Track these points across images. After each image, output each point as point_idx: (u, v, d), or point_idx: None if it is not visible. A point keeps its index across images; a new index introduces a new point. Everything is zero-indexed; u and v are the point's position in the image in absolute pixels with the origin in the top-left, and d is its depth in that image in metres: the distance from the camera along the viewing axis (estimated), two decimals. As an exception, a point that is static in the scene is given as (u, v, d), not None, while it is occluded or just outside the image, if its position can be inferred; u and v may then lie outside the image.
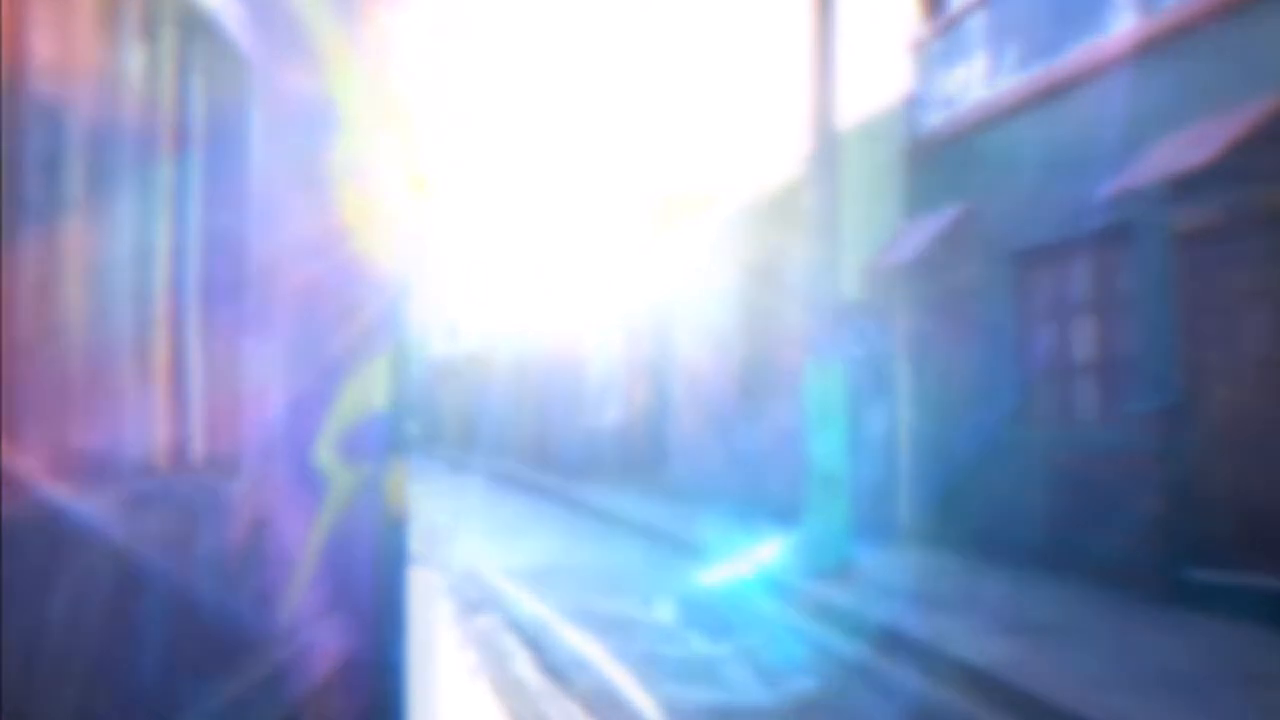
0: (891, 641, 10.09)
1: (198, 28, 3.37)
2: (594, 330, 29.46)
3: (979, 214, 14.44)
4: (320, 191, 4.59)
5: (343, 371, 4.93)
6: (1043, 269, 13.43)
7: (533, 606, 12.65)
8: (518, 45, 42.40)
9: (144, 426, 3.00)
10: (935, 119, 15.46)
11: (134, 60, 2.92)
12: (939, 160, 15.40)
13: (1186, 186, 10.99)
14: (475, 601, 12.94)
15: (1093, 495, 12.31)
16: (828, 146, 13.50)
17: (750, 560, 14.28)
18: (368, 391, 5.27)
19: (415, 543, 17.20)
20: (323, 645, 4.47)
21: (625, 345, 27.03)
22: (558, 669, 9.72)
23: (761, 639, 10.85)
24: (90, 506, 2.41)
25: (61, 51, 2.34)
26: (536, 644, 10.67)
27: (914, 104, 15.99)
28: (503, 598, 13.28)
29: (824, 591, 11.97)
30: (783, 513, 17.62)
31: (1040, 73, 13.25)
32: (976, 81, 14.51)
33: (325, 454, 4.74)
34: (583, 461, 29.65)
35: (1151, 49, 11.55)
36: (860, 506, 15.98)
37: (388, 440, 5.53)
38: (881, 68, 16.73)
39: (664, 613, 12.19)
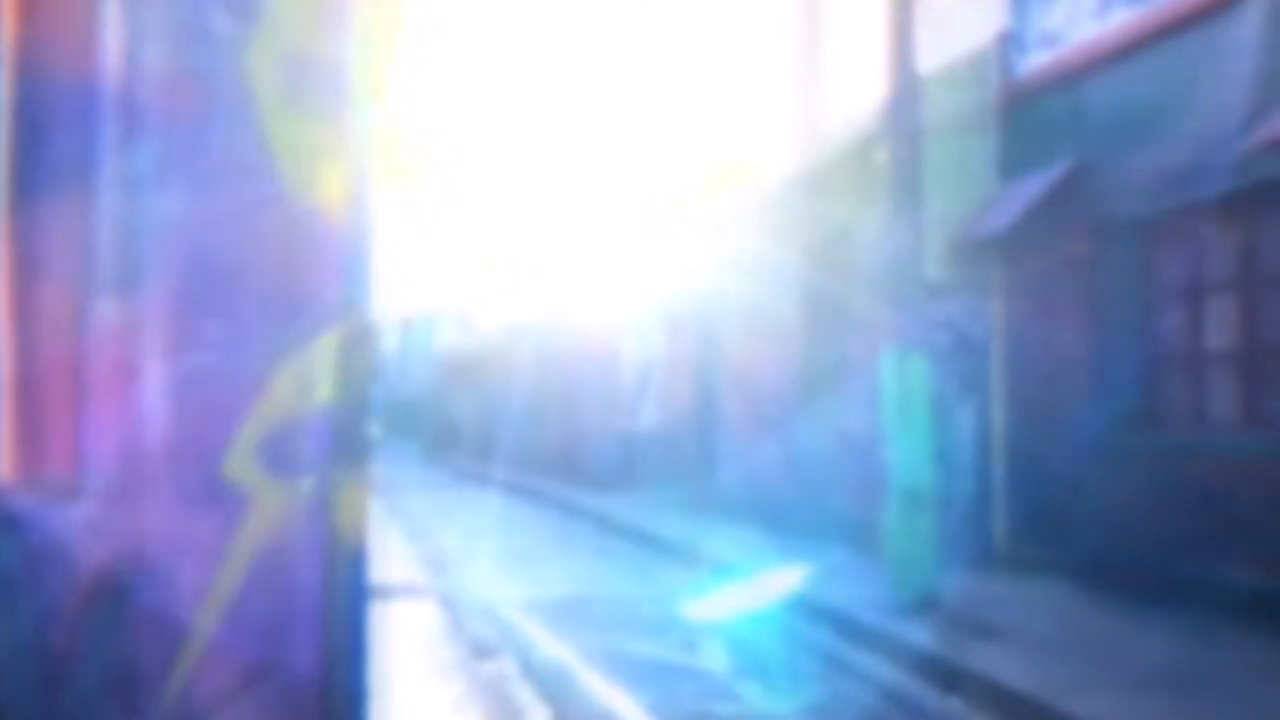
0: (992, 697, 9.20)
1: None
2: (629, 321, 28.74)
3: (1090, 174, 13.56)
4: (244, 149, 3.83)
5: (267, 359, 4.16)
6: (1170, 239, 12.54)
7: (554, 649, 11.89)
8: (538, 9, 41.93)
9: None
10: (1035, 61, 14.58)
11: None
12: (1040, 110, 14.53)
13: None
14: (485, 643, 12.20)
15: (1231, 514, 11.39)
16: (907, 91, 12.63)
17: (816, 593, 13.39)
18: (305, 384, 4.46)
19: (417, 572, 16.40)
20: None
21: (665, 337, 26.29)
22: (583, 734, 8.93)
23: (833, 693, 9.97)
24: None
25: None
26: (557, 698, 9.88)
27: (1008, 43, 15.11)
28: (519, 637, 12.54)
29: (907, 632, 11.10)
30: (852, 532, 16.72)
31: (1165, 1, 12.36)
32: (1086, 13, 13.62)
33: (241, 465, 3.96)
34: (616, 471, 28.95)
35: (1308, -35, 10.67)
36: (947, 525, 15.06)
37: (337, 445, 4.71)
38: (965, 2, 15.81)
39: (712, 658, 11.35)
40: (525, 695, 9.98)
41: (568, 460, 33.09)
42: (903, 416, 12.40)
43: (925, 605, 12.13)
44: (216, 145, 4.26)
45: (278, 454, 4.35)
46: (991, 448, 15.37)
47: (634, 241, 28.97)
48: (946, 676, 9.97)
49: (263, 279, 4.34)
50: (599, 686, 10.25)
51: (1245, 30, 11.38)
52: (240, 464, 4.00)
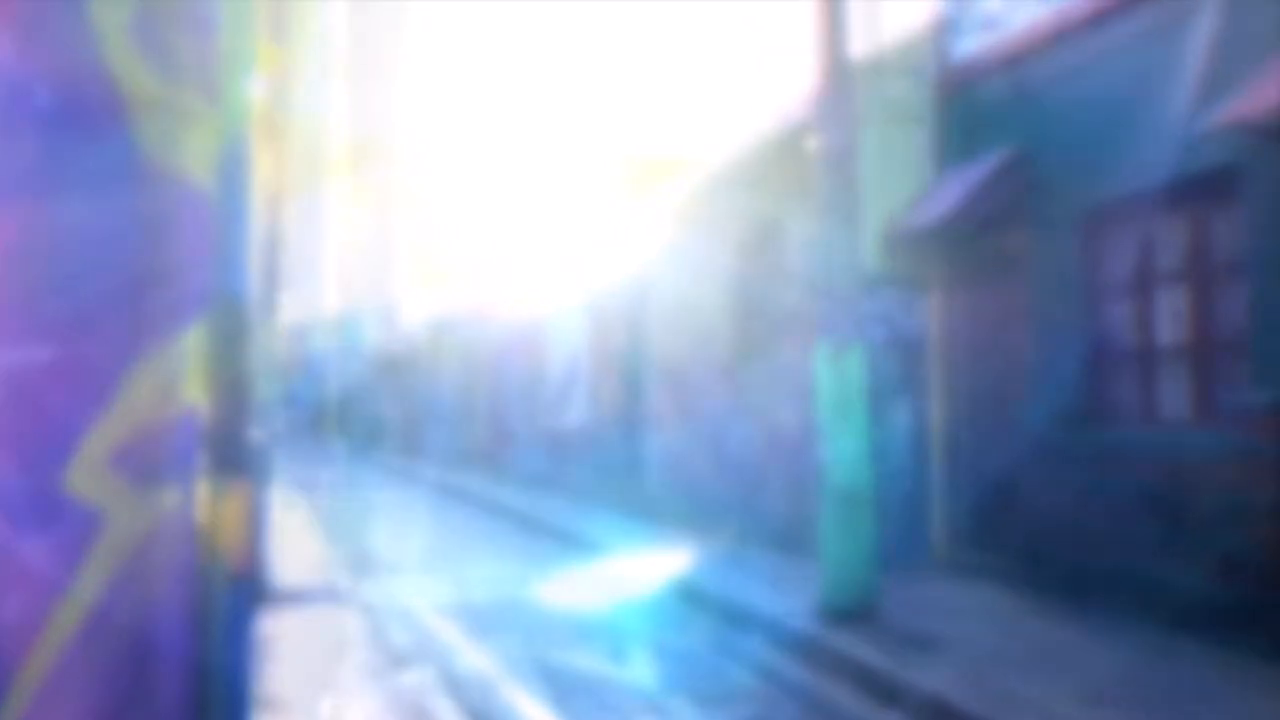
0: (935, 715, 8.55)
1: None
2: (555, 316, 28.09)
3: (1032, 161, 12.95)
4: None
5: (118, 354, 3.49)
6: (1118, 228, 11.92)
7: (475, 658, 11.19)
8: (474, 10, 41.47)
9: None
10: (974, 46, 13.96)
11: None
12: (979, 97, 13.92)
13: (1315, 115, 9.49)
14: (403, 651, 11.49)
15: (1181, 517, 10.78)
16: (840, 77, 11.98)
17: (746, 598, 12.74)
18: (166, 382, 3.77)
19: (337, 574, 15.68)
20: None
21: (592, 333, 25.62)
22: (499, 759, 8.26)
23: (766, 710, 9.30)
24: None
25: None
26: (478, 713, 9.17)
27: (945, 28, 14.49)
28: (439, 644, 11.83)
29: (844, 642, 10.44)
30: (784, 534, 16.06)
31: (1110, -19, 11.79)
32: (1026, -4, 13.04)
33: (88, 475, 3.29)
34: (544, 471, 28.25)
35: (1263, -60, 10.07)
36: (883, 528, 14.42)
37: (212, 451, 4.01)
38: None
39: (640, 669, 10.66)
40: (445, 709, 9.31)
41: (496, 458, 32.47)
42: (838, 414, 11.75)
43: (862, 613, 11.47)
44: (47, 100, 3.60)
45: (134, 462, 3.67)
46: (929, 447, 14.75)
47: (560, 235, 28.37)
48: (886, 692, 9.32)
49: (112, 260, 3.66)
50: (522, 702, 9.58)
51: (1194, 12, 10.79)
52: (87, 474, 3.35)
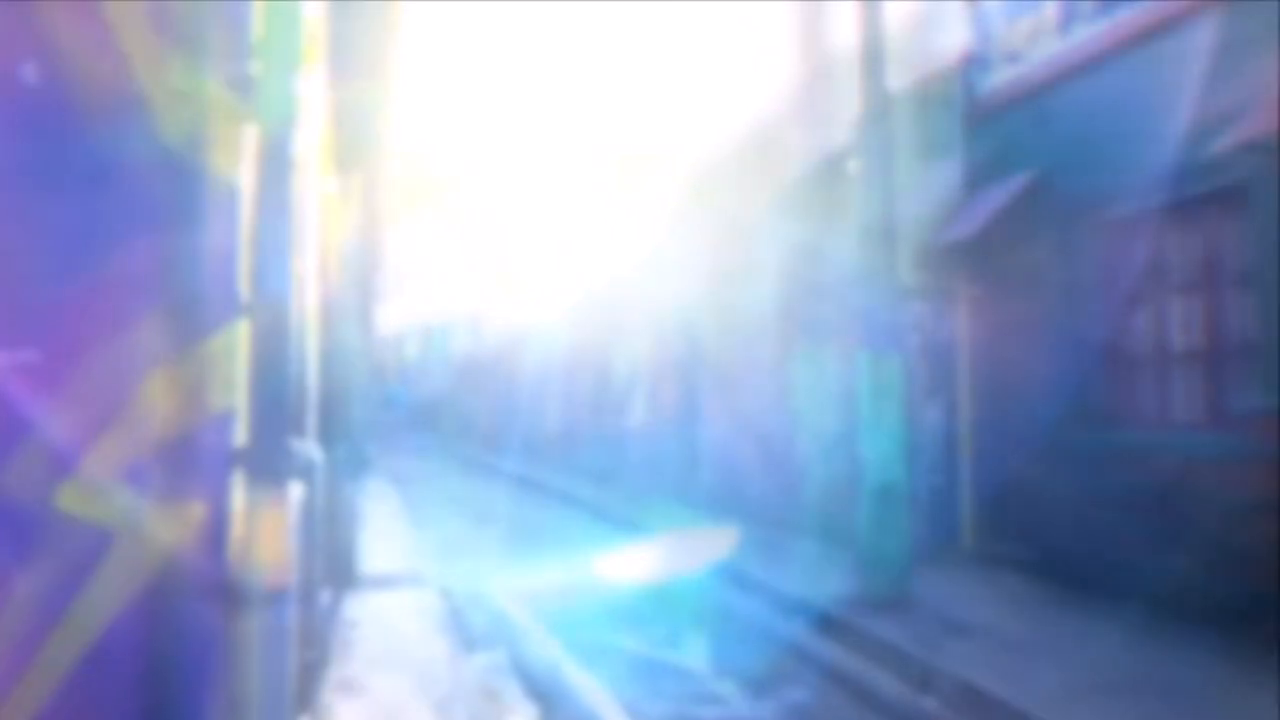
0: (969, 700, 8.03)
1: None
2: (620, 325, 27.65)
3: (1053, 181, 12.40)
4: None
5: (133, 359, 3.02)
6: (1132, 241, 11.34)
7: (543, 643, 10.74)
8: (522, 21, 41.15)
9: None
10: (998, 78, 13.42)
11: None
12: (1004, 124, 13.37)
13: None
14: (478, 633, 11.05)
15: (1194, 513, 10.20)
16: (879, 108, 11.49)
17: (792, 587, 12.24)
18: (191, 388, 3.28)
19: (421, 560, 15.25)
20: None
21: (652, 341, 25.16)
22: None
23: (811, 694, 8.80)
24: None
25: None
26: (543, 695, 8.73)
27: (972, 63, 13.94)
28: (510, 628, 11.43)
29: (882, 628, 9.93)
30: (824, 525, 15.54)
31: (1125, 17, 11.20)
32: (1048, 32, 12.46)
33: (94, 490, 2.82)
34: (609, 465, 27.81)
35: (1272, -26, 9.49)
36: (915, 521, 13.85)
37: (249, 462, 3.52)
38: (931, 22, 14.69)
39: (694, 653, 10.19)
40: (513, 693, 8.85)
41: (566, 453, 32.10)
42: (876, 416, 11.23)
43: (898, 601, 10.94)
44: (60, 91, 3.16)
45: (154, 474, 3.19)
46: (958, 446, 14.19)
47: (626, 250, 27.95)
48: (922, 676, 8.80)
49: (130, 258, 3.19)
50: (585, 686, 9.13)
51: (1200, 43, 10.24)
52: (94, 488, 2.89)
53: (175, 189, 3.29)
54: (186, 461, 3.26)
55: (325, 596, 9.54)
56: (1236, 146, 9.10)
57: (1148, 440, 11.00)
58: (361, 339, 31.33)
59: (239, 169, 3.43)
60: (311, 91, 6.73)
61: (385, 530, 18.18)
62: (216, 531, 3.36)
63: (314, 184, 7.96)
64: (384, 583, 13.23)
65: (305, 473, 6.81)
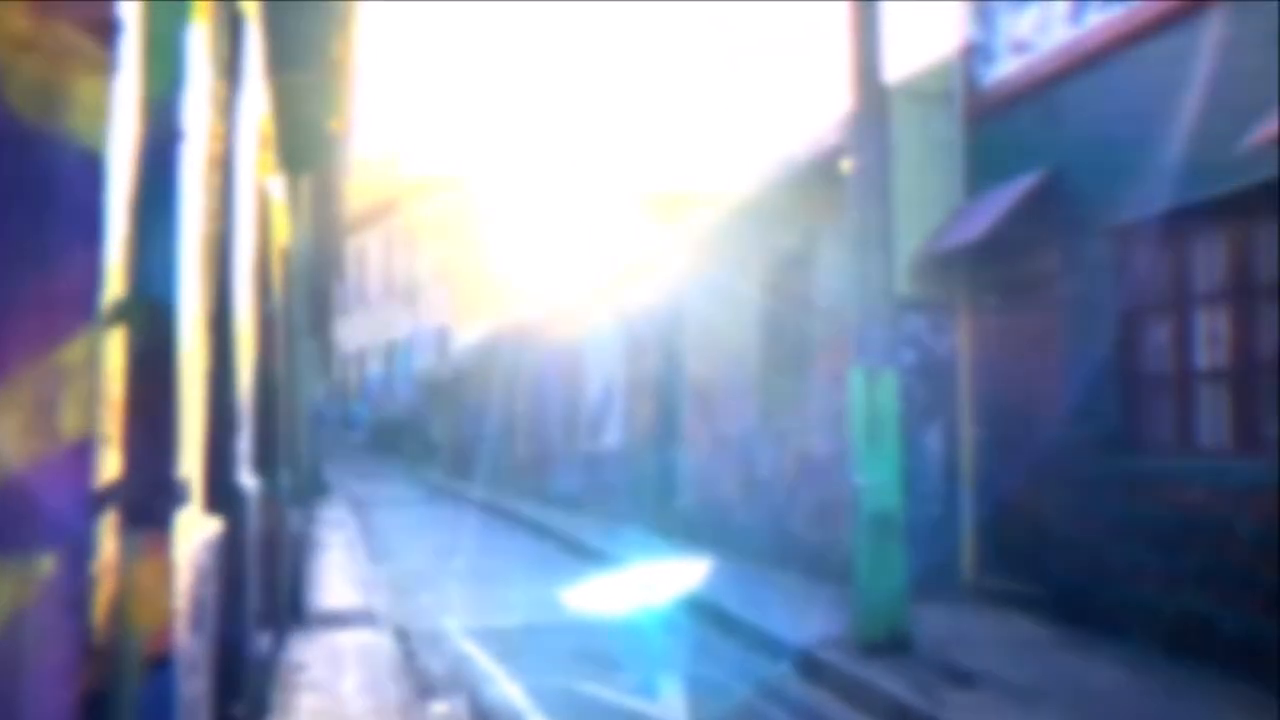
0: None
1: None
2: (593, 341, 27.16)
3: (1065, 182, 11.97)
4: None
5: None
6: (1153, 247, 10.87)
7: (505, 688, 10.34)
8: (512, 34, 41.22)
9: None
10: (1003, 70, 13.03)
11: None
12: (1010, 120, 12.99)
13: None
14: (435, 678, 10.56)
15: (1221, 549, 9.68)
16: (874, 99, 11.02)
17: (777, 627, 11.72)
18: (42, 408, 2.69)
19: (377, 595, 14.73)
20: None
21: (627, 356, 24.66)
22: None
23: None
24: None
25: None
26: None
27: (973, 53, 13.51)
28: (470, 672, 10.95)
29: (877, 676, 9.43)
30: (812, 558, 15.00)
31: (1143, 3, 10.80)
32: (1058, 19, 12.02)
33: None
34: (582, 490, 27.28)
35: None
36: (912, 553, 13.31)
37: (124, 500, 2.93)
38: (927, 12, 14.30)
39: (670, 704, 9.65)
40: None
41: (537, 478, 31.60)
42: (871, 439, 10.72)
43: (895, 644, 10.40)
44: None
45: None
46: (958, 472, 13.69)
47: (596, 262, 27.55)
48: (925, 731, 8.29)
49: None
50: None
51: (1225, 31, 9.79)
52: None
53: (19, 160, 2.73)
54: (31, 502, 2.69)
55: (265, 640, 8.98)
56: (1267, 142, 8.64)
57: (1168, 467, 10.50)
58: (319, 355, 30.80)
59: (104, 136, 2.86)
60: (237, 64, 6.20)
61: (340, 562, 17.66)
62: (73, 589, 2.77)
63: (248, 179, 7.44)
64: (336, 621, 12.72)
65: (232, 504, 6.29)
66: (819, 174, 14.28)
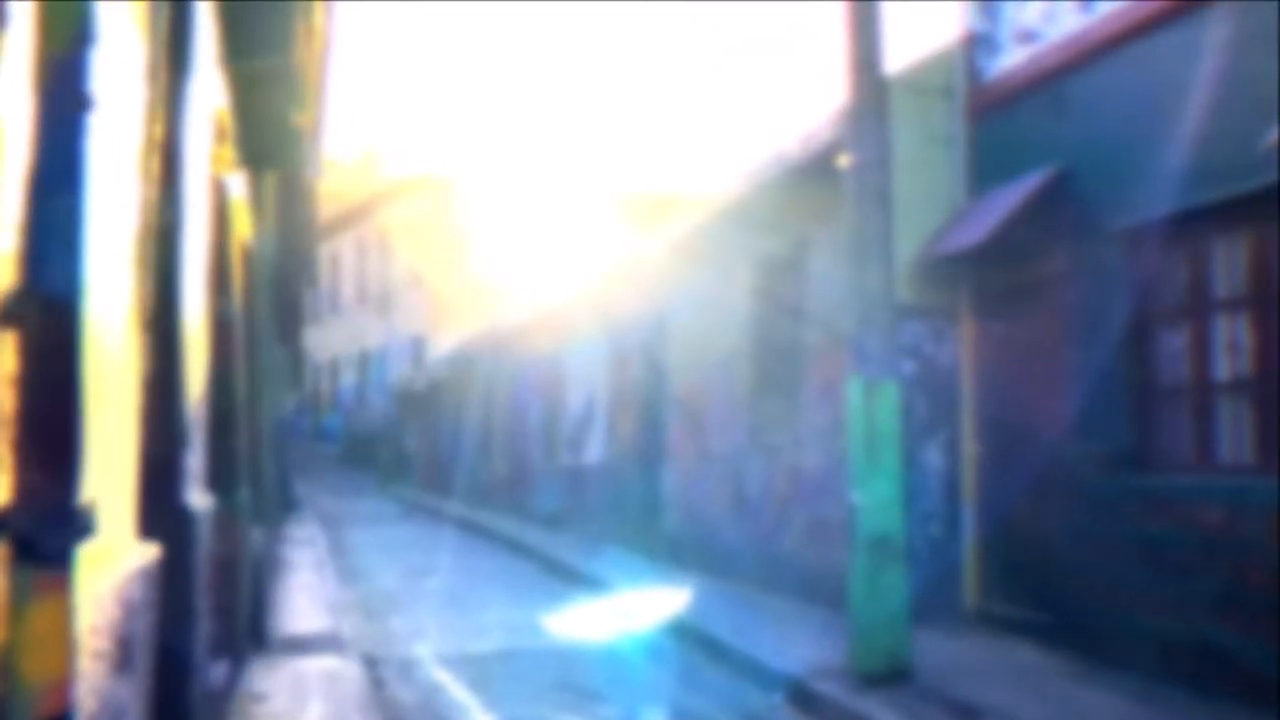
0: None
1: None
2: (574, 351, 26.81)
3: (1073, 181, 11.66)
4: None
5: None
6: (1169, 250, 10.53)
7: (479, 720, 9.90)
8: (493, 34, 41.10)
9: None
10: (1008, 62, 12.74)
11: None
12: (1015, 115, 12.68)
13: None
14: (404, 712, 10.19)
15: (1243, 575, 9.33)
16: (872, 94, 10.71)
17: (768, 656, 11.35)
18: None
19: (346, 618, 14.36)
20: None
21: (610, 366, 24.31)
22: None
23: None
24: None
25: None
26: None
27: (976, 44, 13.21)
28: (443, 704, 10.57)
29: (877, 711, 9.10)
30: (806, 580, 14.65)
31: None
32: (1066, 7, 11.72)
33: None
34: (562, 507, 26.93)
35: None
36: (912, 576, 12.95)
37: (14, 531, 2.54)
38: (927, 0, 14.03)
39: (654, 740, 9.31)
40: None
41: (515, 494, 31.27)
42: (869, 455, 10.36)
43: (895, 676, 10.02)
44: None
45: None
46: (960, 490, 13.34)
47: (579, 269, 27.25)
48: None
49: None
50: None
51: (1247, 19, 9.48)
52: None
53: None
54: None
55: (220, 669, 8.60)
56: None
57: (1185, 485, 10.16)
58: (288, 364, 30.42)
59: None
60: (184, 44, 5.84)
61: (308, 583, 17.28)
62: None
63: (200, 171, 7.08)
64: (300, 646, 12.34)
65: (178, 526, 5.93)
66: (812, 173, 13.96)
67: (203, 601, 6.77)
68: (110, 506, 3.99)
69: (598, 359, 25.18)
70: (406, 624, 14.76)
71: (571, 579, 18.78)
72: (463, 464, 35.72)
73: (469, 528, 28.27)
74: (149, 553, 4.86)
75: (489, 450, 34.26)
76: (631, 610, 14.81)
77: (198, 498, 6.73)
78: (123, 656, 3.88)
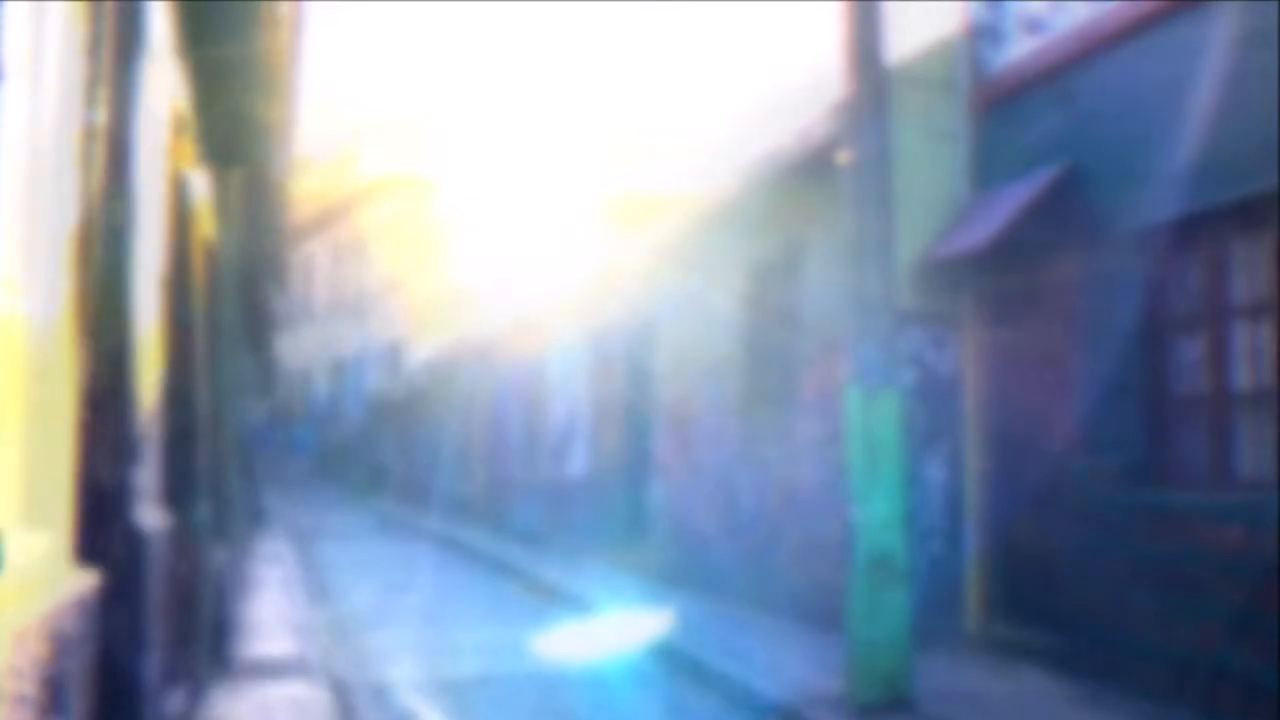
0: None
1: None
2: (556, 356, 26.62)
3: (1085, 178, 11.47)
4: None
5: None
6: (1185, 252, 10.37)
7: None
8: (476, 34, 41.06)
9: None
10: (1014, 54, 12.60)
11: None
12: (1021, 108, 12.52)
13: None
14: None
15: (1265, 596, 9.11)
16: (872, 87, 10.51)
17: (761, 683, 11.13)
18: None
19: (314, 640, 14.13)
20: None
21: (593, 374, 24.12)
22: None
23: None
24: None
25: None
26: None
27: (980, 35, 13.06)
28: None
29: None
30: (799, 600, 14.43)
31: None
32: (1077, -5, 11.59)
33: None
34: (544, 522, 26.73)
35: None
36: (912, 596, 12.73)
37: None
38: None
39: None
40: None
41: (496, 508, 31.10)
42: (869, 468, 10.14)
43: (895, 705, 9.79)
44: None
45: None
46: (963, 505, 13.13)
47: (562, 274, 27.10)
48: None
49: None
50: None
51: (1269, 7, 9.29)
52: None
53: None
54: None
55: (176, 699, 8.35)
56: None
57: (1205, 504, 9.96)
58: (258, 372, 30.19)
59: None
60: (133, 26, 5.60)
61: (276, 603, 17.06)
62: None
63: (155, 165, 6.85)
64: (266, 671, 12.11)
65: (125, 548, 5.68)
66: (808, 171, 13.80)
67: (155, 630, 6.52)
68: (37, 531, 3.77)
69: (581, 367, 25.04)
70: (380, 645, 14.58)
71: (553, 598, 18.58)
72: (440, 476, 35.58)
73: (447, 543, 28.09)
74: (85, 581, 4.63)
75: (468, 462, 34.12)
76: (616, 632, 14.64)
77: (149, 517, 6.49)
78: (51, 700, 3.66)
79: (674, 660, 13.01)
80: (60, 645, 3.85)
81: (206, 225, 10.92)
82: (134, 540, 5.85)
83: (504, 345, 30.38)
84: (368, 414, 46.19)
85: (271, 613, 15.98)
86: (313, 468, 50.32)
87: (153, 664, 6.49)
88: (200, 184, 10.21)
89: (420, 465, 38.65)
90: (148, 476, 6.64)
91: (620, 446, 22.49)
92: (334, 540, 29.16)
